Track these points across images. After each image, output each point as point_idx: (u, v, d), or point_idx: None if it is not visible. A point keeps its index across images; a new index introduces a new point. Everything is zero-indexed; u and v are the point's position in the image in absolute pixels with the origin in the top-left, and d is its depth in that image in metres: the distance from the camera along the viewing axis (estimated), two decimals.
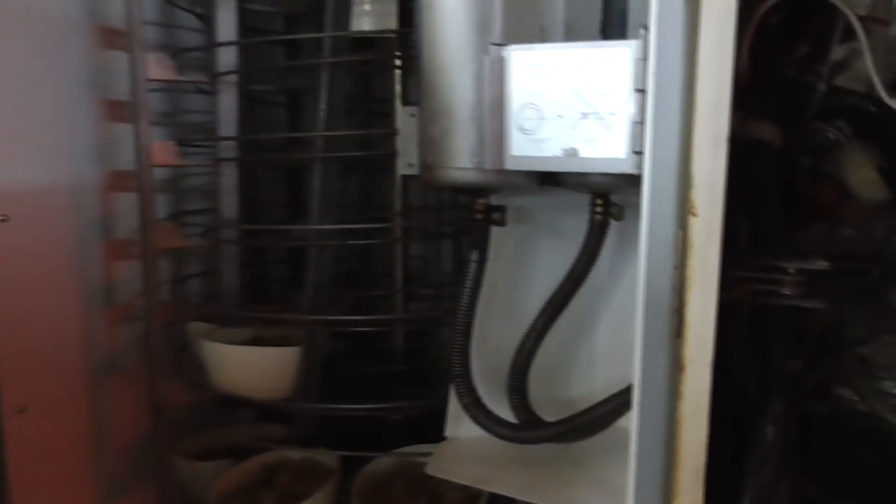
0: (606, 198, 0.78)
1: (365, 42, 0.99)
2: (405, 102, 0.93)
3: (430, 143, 0.74)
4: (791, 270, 0.53)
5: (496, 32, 0.71)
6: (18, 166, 1.08)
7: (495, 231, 0.84)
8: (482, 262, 0.79)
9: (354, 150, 1.02)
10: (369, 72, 1.13)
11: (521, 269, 0.88)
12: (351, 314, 1.02)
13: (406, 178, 1.08)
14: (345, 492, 1.05)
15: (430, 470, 0.83)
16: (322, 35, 0.94)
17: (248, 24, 1.13)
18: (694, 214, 0.51)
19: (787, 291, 0.53)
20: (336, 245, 1.03)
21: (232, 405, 1.20)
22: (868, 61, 0.62)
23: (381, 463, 1.08)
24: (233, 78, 1.08)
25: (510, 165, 0.71)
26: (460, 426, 0.89)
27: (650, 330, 0.53)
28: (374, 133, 0.99)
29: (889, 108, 0.64)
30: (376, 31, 0.88)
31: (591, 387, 0.93)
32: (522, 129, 0.70)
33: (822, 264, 0.53)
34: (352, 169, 1.25)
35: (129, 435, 1.27)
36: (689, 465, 0.53)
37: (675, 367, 0.53)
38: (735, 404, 0.63)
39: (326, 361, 1.15)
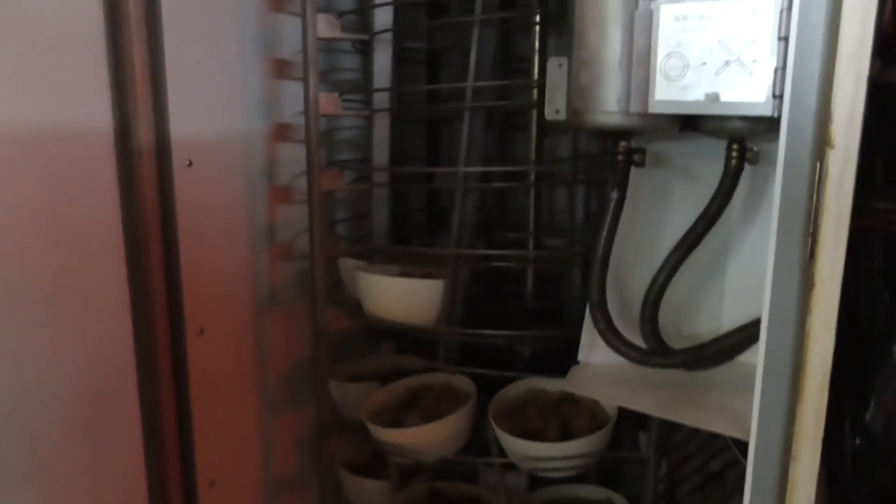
0: (743, 143, 0.83)
1: (509, 2, 1.07)
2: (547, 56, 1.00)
3: (580, 90, 0.82)
4: None
5: None
6: (200, 118, 1.23)
7: (635, 174, 0.91)
8: (621, 199, 0.87)
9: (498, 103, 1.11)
10: (511, 28, 1.21)
11: (656, 211, 0.95)
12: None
13: (541, 131, 1.16)
14: (480, 414, 1.16)
15: (566, 386, 0.93)
16: None
17: None
18: (831, 146, 0.57)
19: None
20: (478, 189, 1.12)
21: (381, 334, 1.33)
22: None
23: (514, 389, 1.18)
24: (388, 36, 1.18)
25: (655, 109, 0.78)
26: (593, 352, 0.97)
27: (783, 252, 0.60)
28: (520, 83, 1.07)
29: None
30: None
31: (718, 325, 0.99)
32: (667, 76, 0.77)
33: None
34: (491, 124, 1.34)
35: (288, 360, 1.44)
36: (815, 372, 0.60)
37: (808, 284, 0.59)
38: (862, 331, 0.68)
39: (466, 299, 1.26)
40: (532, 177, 1.17)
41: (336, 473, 1.38)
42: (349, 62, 1.42)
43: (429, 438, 1.14)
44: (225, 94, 1.28)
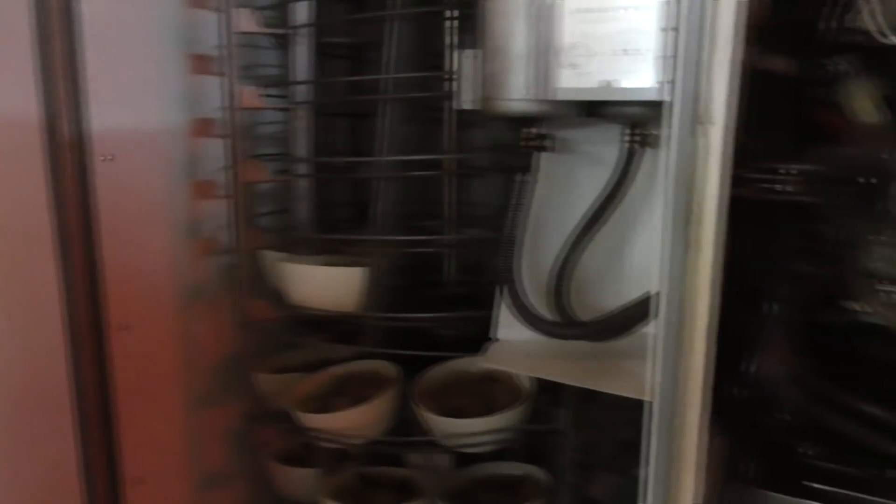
0: (639, 127, 0.90)
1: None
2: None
3: (490, 79, 0.87)
4: (792, 171, 0.65)
5: None
6: (120, 111, 1.23)
7: (547, 160, 0.97)
8: (528, 182, 0.93)
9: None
10: (430, 24, 1.26)
11: (567, 194, 1.01)
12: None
13: (459, 123, 1.21)
14: (405, 397, 1.20)
15: (485, 361, 0.98)
16: None
17: None
18: (711, 123, 0.63)
19: (787, 189, 0.65)
20: (394, 178, 1.17)
21: (306, 325, 1.35)
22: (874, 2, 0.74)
23: (437, 372, 1.22)
24: (307, 31, 1.21)
25: (558, 96, 0.84)
26: (508, 329, 1.03)
27: (676, 218, 0.66)
28: (434, 76, 1.12)
29: (889, 44, 0.75)
30: None
31: (625, 299, 1.05)
32: (569, 65, 0.83)
33: (818, 166, 0.65)
34: (414, 118, 1.38)
35: (217, 354, 1.44)
36: (700, 328, 0.66)
37: (694, 248, 0.66)
38: (748, 292, 0.76)
39: (392, 289, 1.30)
40: (453, 166, 1.22)
41: (266, 465, 1.39)
42: (272, 58, 1.44)
43: (354, 422, 1.17)
44: (146, 88, 1.29)
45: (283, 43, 1.30)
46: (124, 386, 1.28)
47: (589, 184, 1.01)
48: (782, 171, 0.66)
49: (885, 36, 0.74)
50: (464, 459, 1.32)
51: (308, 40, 1.23)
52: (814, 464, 0.96)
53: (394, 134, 1.14)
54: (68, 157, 1.13)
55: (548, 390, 1.15)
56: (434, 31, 1.14)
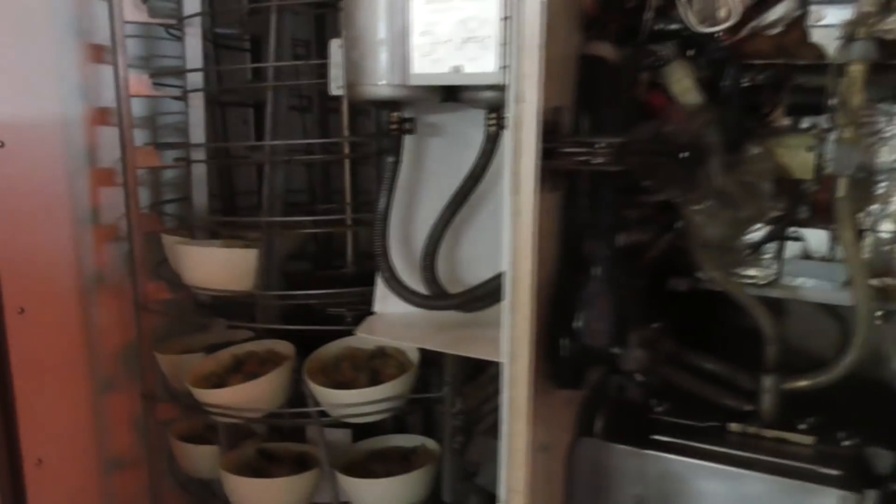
0: (498, 111, 0.97)
1: None
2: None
3: (352, 66, 0.93)
4: (600, 144, 0.72)
5: None
6: (11, 100, 1.26)
7: (419, 143, 1.04)
8: (396, 163, 0.99)
9: (310, 87, 1.20)
10: (320, 14, 1.32)
11: (438, 175, 1.07)
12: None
13: (351, 111, 1.27)
14: (300, 372, 1.25)
15: (360, 332, 1.04)
16: None
17: None
18: (523, 101, 0.70)
19: (596, 160, 0.73)
20: (286, 162, 1.22)
21: (209, 307, 1.39)
22: None
23: (330, 349, 1.28)
24: (198, 21, 1.25)
25: (412, 82, 0.90)
26: (385, 303, 1.09)
27: (509, 189, 0.74)
28: (311, 64, 1.17)
29: (700, 32, 0.84)
30: None
31: (492, 273, 1.12)
32: (421, 52, 0.89)
33: (622, 139, 0.73)
34: (306, 107, 1.43)
35: (119, 339, 1.47)
36: (524, 286, 0.74)
37: (515, 213, 0.73)
38: (578, 257, 0.83)
39: (295, 273, 1.35)
40: (346, 149, 1.28)
41: (171, 445, 1.43)
42: (172, 49, 1.47)
43: (247, 397, 1.22)
44: (38, 77, 1.31)
45: (180, 34, 1.33)
46: (21, 368, 1.30)
47: (458, 165, 1.07)
48: (596, 144, 0.73)
49: (696, 26, 0.82)
50: (361, 433, 1.38)
51: (198, 31, 1.26)
52: (661, 419, 1.05)
53: (279, 120, 1.19)
54: None
55: (433, 363, 1.22)
56: (319, 23, 1.19)
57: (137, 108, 1.44)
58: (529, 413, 0.77)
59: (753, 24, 1.04)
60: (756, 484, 0.92)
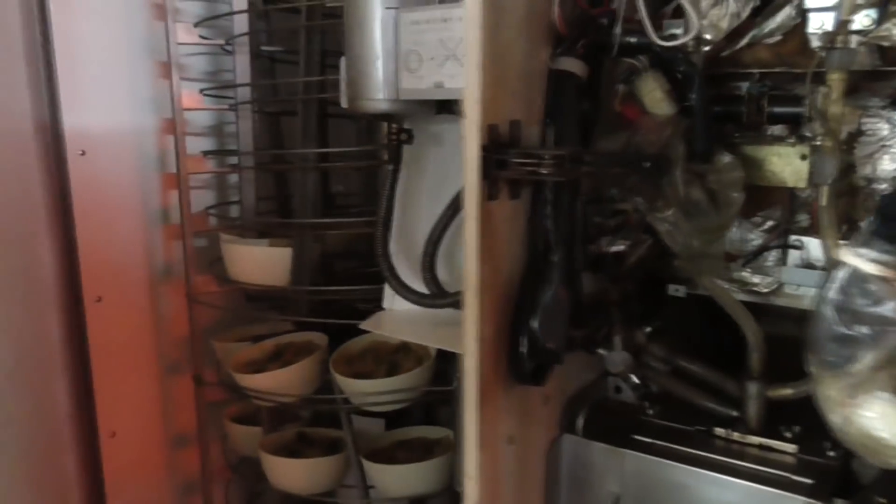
0: None
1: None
2: None
3: (352, 82, 1.02)
4: (546, 156, 0.77)
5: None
6: (91, 112, 1.43)
7: (420, 151, 1.12)
8: (396, 171, 1.07)
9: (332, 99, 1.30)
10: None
11: (438, 182, 1.14)
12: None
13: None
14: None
15: (364, 326, 1.13)
16: (299, 4, 1.24)
17: None
18: (465, 117, 0.77)
19: (543, 171, 0.78)
20: (316, 168, 1.32)
21: (258, 300, 1.53)
22: (643, 12, 0.86)
23: (358, 342, 1.37)
24: (246, 40, 1.39)
25: (402, 96, 0.98)
26: (393, 301, 1.17)
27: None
28: (326, 79, 1.27)
29: (665, 46, 0.87)
30: (334, 2, 1.16)
31: None
32: (408, 69, 0.97)
33: (567, 152, 0.78)
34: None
35: (184, 327, 1.63)
36: (470, 285, 0.80)
37: (467, 220, 0.79)
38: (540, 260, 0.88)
39: (322, 266, 1.46)
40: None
41: (224, 425, 1.57)
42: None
43: (282, 382, 1.34)
44: (115, 91, 1.48)
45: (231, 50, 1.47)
46: (97, 350, 1.48)
47: (457, 172, 1.14)
48: (545, 155, 0.78)
49: (657, 41, 0.85)
50: (393, 423, 1.47)
51: (245, 48, 1.39)
52: (650, 420, 1.08)
53: (308, 130, 1.30)
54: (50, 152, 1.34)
55: (449, 357, 1.29)
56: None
57: (204, 118, 1.61)
58: (479, 404, 0.82)
59: (753, 32, 1.06)
60: (729, 489, 0.94)
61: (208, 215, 1.50)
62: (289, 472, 1.39)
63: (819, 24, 0.98)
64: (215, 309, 1.53)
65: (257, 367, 1.41)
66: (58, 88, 1.36)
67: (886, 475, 0.94)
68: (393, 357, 1.35)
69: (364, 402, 1.28)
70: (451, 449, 1.36)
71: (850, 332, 0.63)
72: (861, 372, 0.62)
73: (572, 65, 0.88)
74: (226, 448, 1.60)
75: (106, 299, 1.49)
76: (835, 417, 0.66)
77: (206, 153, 1.47)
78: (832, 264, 0.66)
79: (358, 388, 1.27)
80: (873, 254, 0.63)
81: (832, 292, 0.64)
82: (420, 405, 1.43)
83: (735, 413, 1.03)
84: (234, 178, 1.67)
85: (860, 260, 0.63)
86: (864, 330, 0.62)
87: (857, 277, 0.63)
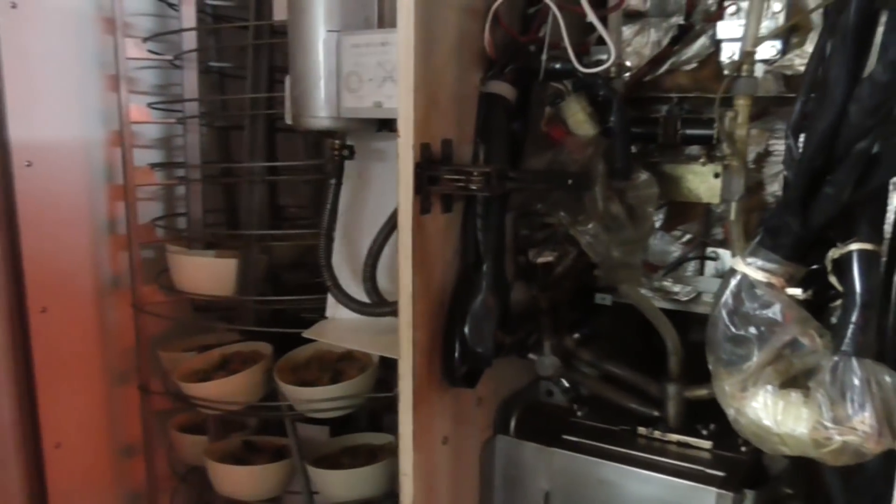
0: None
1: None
2: None
3: (296, 100, 1.07)
4: (475, 172, 0.83)
5: (335, 22, 1.03)
6: (38, 124, 1.44)
7: (363, 166, 1.17)
8: (338, 185, 1.12)
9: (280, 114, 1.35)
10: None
11: (379, 196, 1.20)
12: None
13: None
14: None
15: (307, 334, 1.17)
16: (247, 24, 1.29)
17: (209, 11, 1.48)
18: (399, 136, 0.82)
19: (472, 186, 0.84)
20: (263, 181, 1.37)
21: (201, 310, 1.55)
22: (566, 41, 0.92)
23: (303, 351, 1.41)
24: (195, 56, 1.42)
25: (343, 115, 1.03)
26: (336, 310, 1.22)
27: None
28: (273, 95, 1.32)
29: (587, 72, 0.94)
30: (280, 21, 1.21)
31: None
32: (349, 89, 1.02)
33: (494, 169, 0.84)
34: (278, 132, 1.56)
35: (131, 337, 1.64)
36: (405, 294, 0.85)
37: (401, 231, 0.85)
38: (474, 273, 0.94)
39: (269, 277, 1.49)
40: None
41: (170, 435, 1.59)
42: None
43: (227, 391, 1.36)
44: (64, 104, 1.50)
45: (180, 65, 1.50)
46: (42, 361, 1.48)
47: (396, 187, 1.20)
48: (474, 172, 0.84)
49: (578, 67, 0.92)
50: (338, 431, 1.51)
51: (193, 64, 1.43)
52: (580, 422, 1.14)
53: (256, 144, 1.34)
54: None
55: (391, 365, 1.33)
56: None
57: (152, 131, 1.63)
58: (414, 406, 0.88)
59: (672, 59, 1.14)
60: (649, 483, 1.01)
61: (155, 227, 1.52)
62: (235, 480, 1.41)
63: (730, 53, 1.07)
64: (162, 319, 1.56)
65: (203, 376, 1.43)
66: (4, 99, 1.37)
67: (792, 467, 1.03)
68: (337, 365, 1.39)
69: (308, 409, 1.32)
70: (394, 454, 1.40)
71: (741, 333, 0.70)
72: (751, 368, 0.69)
73: (501, 88, 0.95)
74: (172, 458, 1.62)
75: (51, 310, 1.50)
76: (730, 410, 0.73)
77: (153, 165, 1.49)
78: (728, 273, 0.73)
79: (302, 396, 1.30)
80: (760, 262, 0.70)
81: (726, 297, 0.71)
82: (365, 412, 1.48)
83: (656, 413, 1.09)
84: (181, 190, 1.71)
85: (749, 268, 0.70)
86: (754, 330, 0.69)
87: (747, 284, 0.70)
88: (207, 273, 1.37)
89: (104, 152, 1.57)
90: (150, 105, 1.43)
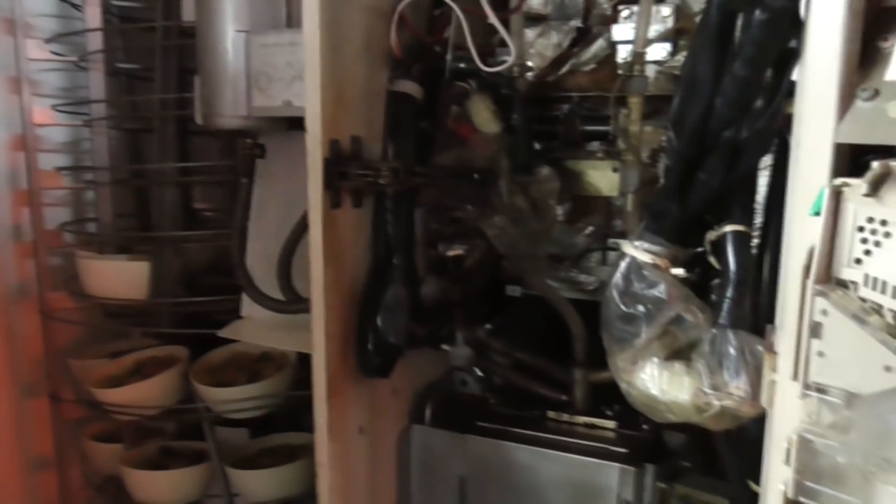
0: None
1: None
2: None
3: (205, 99, 1.08)
4: (383, 168, 0.86)
5: (244, 22, 1.04)
6: None
7: (273, 165, 1.18)
8: (249, 184, 1.13)
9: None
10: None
11: (291, 194, 1.20)
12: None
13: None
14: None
15: (222, 333, 1.17)
16: (154, 24, 1.28)
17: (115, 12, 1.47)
18: (308, 132, 0.85)
19: (381, 181, 0.87)
20: (175, 183, 1.36)
21: (116, 316, 1.53)
22: (469, 42, 0.97)
23: (219, 353, 1.41)
24: (100, 57, 1.40)
25: (253, 113, 1.05)
26: (251, 308, 1.22)
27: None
28: (184, 96, 1.31)
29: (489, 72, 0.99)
30: (189, 22, 1.21)
31: None
32: (259, 88, 1.03)
33: (402, 164, 0.87)
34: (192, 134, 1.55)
35: (39, 347, 1.59)
36: (317, 286, 0.87)
37: (312, 226, 0.87)
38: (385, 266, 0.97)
39: (197, 283, 1.48)
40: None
41: (83, 445, 1.55)
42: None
43: (142, 395, 1.35)
44: None
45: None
46: None
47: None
48: (383, 168, 0.87)
49: (482, 66, 0.97)
50: (257, 432, 1.51)
51: (99, 65, 1.41)
52: (493, 409, 1.18)
53: (167, 148, 1.33)
54: None
55: (309, 364, 1.34)
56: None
57: (58, 134, 1.59)
58: (328, 397, 0.90)
59: (573, 60, 1.20)
60: (559, 462, 1.06)
61: (63, 232, 1.48)
62: (153, 486, 1.40)
63: (625, 54, 1.14)
64: (72, 326, 1.52)
65: (118, 382, 1.41)
66: None
67: (690, 443, 1.10)
68: (254, 366, 1.39)
69: (226, 410, 1.32)
70: (310, 454, 1.41)
71: (631, 311, 0.75)
72: (640, 343, 0.74)
73: (408, 87, 0.98)
74: (86, 469, 1.58)
75: None
76: (622, 384, 0.78)
77: (59, 169, 1.46)
78: (618, 255, 0.79)
79: (219, 396, 1.30)
80: (646, 245, 0.76)
81: (616, 278, 0.76)
82: (284, 413, 1.48)
83: (564, 397, 1.15)
84: (90, 194, 1.67)
85: (637, 251, 0.76)
86: (642, 308, 0.75)
87: (635, 265, 0.75)
88: (119, 277, 1.35)
89: (6, 156, 1.52)
90: (54, 107, 1.39)
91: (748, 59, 0.61)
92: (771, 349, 0.63)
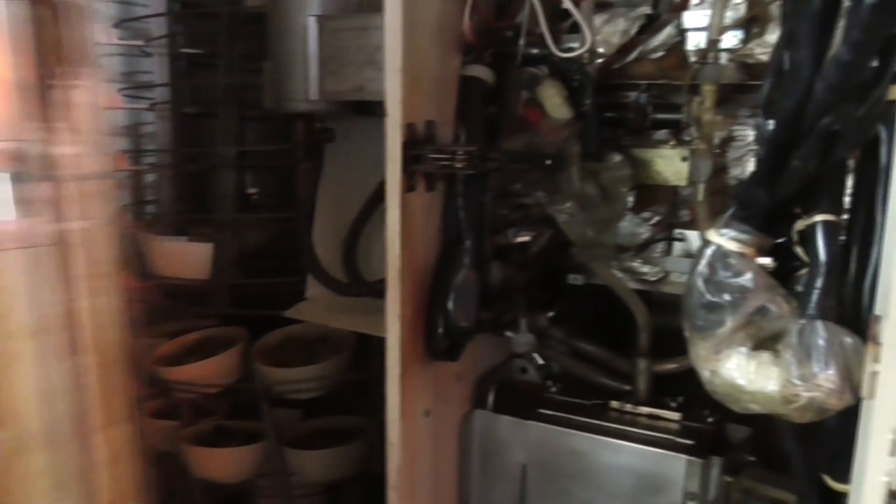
0: None
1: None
2: None
3: (276, 85, 1.09)
4: (459, 152, 0.87)
5: (315, 8, 1.05)
6: None
7: (339, 149, 1.19)
8: (318, 168, 1.14)
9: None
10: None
11: (355, 179, 1.22)
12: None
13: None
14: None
15: (289, 314, 1.19)
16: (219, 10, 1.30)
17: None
18: (387, 115, 0.85)
19: (456, 165, 0.87)
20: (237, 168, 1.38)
21: (179, 297, 1.55)
22: (543, 27, 0.96)
23: (276, 334, 1.43)
24: (164, 43, 1.42)
25: (324, 97, 1.05)
26: (315, 290, 1.24)
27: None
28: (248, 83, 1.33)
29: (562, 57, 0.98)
30: (256, 6, 1.22)
31: None
32: (330, 72, 1.04)
33: (477, 148, 0.87)
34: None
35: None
36: (393, 269, 0.88)
37: (390, 210, 0.87)
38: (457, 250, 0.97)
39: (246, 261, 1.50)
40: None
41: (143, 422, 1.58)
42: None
43: (202, 374, 1.37)
44: None
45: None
46: None
47: (372, 169, 1.22)
48: (458, 152, 0.87)
49: (556, 52, 0.96)
50: (313, 412, 1.53)
51: (164, 50, 1.43)
52: (554, 397, 1.18)
53: (228, 131, 1.35)
54: None
55: (364, 348, 1.36)
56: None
57: (120, 118, 1.62)
58: (401, 378, 0.91)
59: (640, 48, 1.18)
60: (622, 452, 1.05)
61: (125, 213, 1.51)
62: (214, 462, 1.42)
63: (695, 42, 1.12)
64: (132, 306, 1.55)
65: (176, 361, 1.44)
66: None
67: (754, 436, 1.09)
68: (311, 347, 1.41)
69: (286, 390, 1.34)
70: (364, 436, 1.43)
71: (715, 300, 0.74)
72: (724, 332, 0.74)
73: (480, 71, 0.98)
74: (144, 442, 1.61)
75: None
76: (704, 372, 0.77)
77: (122, 152, 1.49)
78: (702, 244, 0.78)
79: (282, 377, 1.32)
80: (732, 233, 0.75)
81: (701, 267, 0.76)
82: (336, 395, 1.50)
83: (627, 387, 1.14)
84: (149, 177, 1.70)
85: (723, 239, 0.75)
86: (727, 297, 0.74)
87: (721, 254, 0.75)
88: (184, 257, 1.37)
89: None
90: (119, 91, 1.42)
91: (855, 44, 0.60)
92: (876, 340, 0.62)
